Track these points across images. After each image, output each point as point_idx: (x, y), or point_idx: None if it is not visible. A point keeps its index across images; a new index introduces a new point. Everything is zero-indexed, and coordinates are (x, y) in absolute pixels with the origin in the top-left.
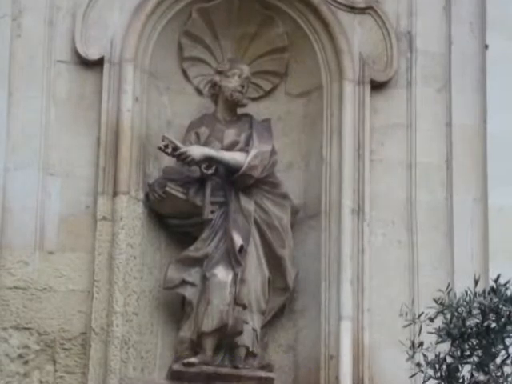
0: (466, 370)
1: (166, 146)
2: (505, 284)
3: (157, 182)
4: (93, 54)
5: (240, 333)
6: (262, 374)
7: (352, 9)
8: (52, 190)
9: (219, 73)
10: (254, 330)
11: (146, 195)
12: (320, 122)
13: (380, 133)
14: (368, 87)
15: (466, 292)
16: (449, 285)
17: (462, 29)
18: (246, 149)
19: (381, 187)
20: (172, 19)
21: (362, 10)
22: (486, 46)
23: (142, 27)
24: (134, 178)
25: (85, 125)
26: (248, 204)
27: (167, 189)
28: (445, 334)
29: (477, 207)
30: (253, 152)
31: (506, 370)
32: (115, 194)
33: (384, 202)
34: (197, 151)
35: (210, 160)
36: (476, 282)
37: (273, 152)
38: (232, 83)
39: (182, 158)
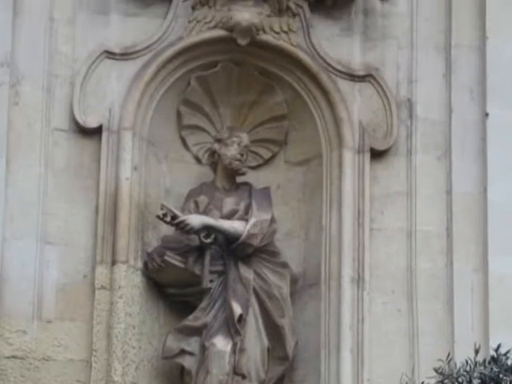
0: None
1: (165, 215)
2: (505, 354)
3: (155, 251)
4: (91, 123)
5: None
6: None
7: (352, 77)
8: (50, 259)
9: (218, 141)
10: None
11: (145, 264)
12: (319, 190)
13: (380, 201)
14: (368, 155)
15: (467, 361)
16: (449, 354)
17: (462, 96)
18: (245, 217)
19: (380, 256)
20: (171, 87)
21: (362, 78)
22: (487, 114)
23: (140, 95)
24: (133, 246)
25: (83, 193)
26: (247, 273)
27: (166, 258)
28: None
29: (477, 276)
30: (252, 221)
31: None
32: (114, 262)
33: (384, 270)
34: (196, 220)
35: (209, 229)
36: (476, 352)
37: (272, 220)
38: (231, 151)
39: (181, 227)
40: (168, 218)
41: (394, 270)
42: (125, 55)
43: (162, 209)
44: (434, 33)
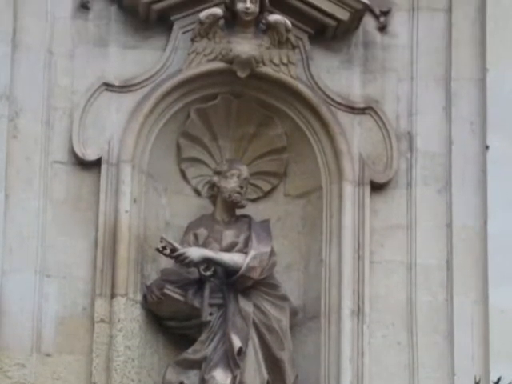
0: None
1: (164, 248)
2: None
3: (155, 284)
4: (90, 155)
5: None
6: None
7: (351, 109)
8: (49, 291)
9: (218, 173)
10: None
11: (144, 297)
12: (319, 223)
13: (380, 234)
14: (368, 188)
15: None
16: None
17: (462, 129)
18: (244, 250)
19: (380, 289)
20: (170, 120)
21: (362, 110)
22: (487, 147)
23: (139, 128)
24: (132, 279)
25: (82, 226)
26: (247, 306)
27: (165, 291)
28: None
29: (477, 308)
30: (251, 253)
31: None
32: (113, 295)
33: (384, 303)
34: (195, 252)
35: (208, 261)
36: None
37: (272, 253)
38: (231, 184)
39: (181, 260)
40: (167, 251)
41: (394, 302)
42: (124, 87)
43: (161, 241)
44: (434, 65)
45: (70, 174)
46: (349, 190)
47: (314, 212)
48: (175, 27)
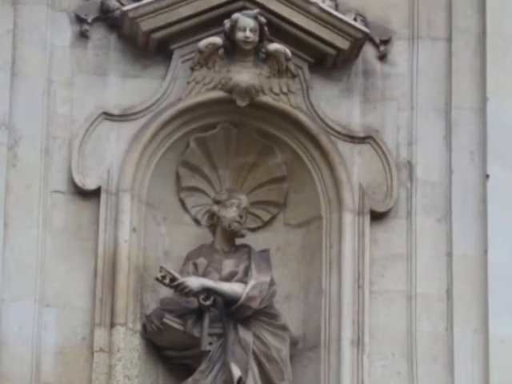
0: None
1: (164, 277)
2: None
3: (154, 314)
4: (90, 184)
5: None
6: None
7: (351, 138)
8: (48, 321)
9: (217, 203)
10: None
11: (144, 326)
12: (319, 252)
13: (380, 264)
14: (368, 217)
15: None
16: None
17: (462, 158)
18: (244, 279)
19: (380, 318)
20: (169, 149)
21: (362, 140)
22: (487, 176)
23: (139, 157)
24: (131, 308)
25: (81, 255)
26: (246, 336)
27: (165, 320)
28: None
29: (478, 338)
30: (251, 283)
31: None
32: (112, 325)
33: (384, 333)
34: (195, 282)
35: (208, 291)
36: None
37: (271, 283)
38: (230, 213)
39: (180, 289)
40: (167, 280)
41: (394, 332)
42: (123, 116)
43: (160, 271)
44: (434, 94)
45: (69, 204)
46: (349, 219)
47: (313, 241)
48: (175, 56)
